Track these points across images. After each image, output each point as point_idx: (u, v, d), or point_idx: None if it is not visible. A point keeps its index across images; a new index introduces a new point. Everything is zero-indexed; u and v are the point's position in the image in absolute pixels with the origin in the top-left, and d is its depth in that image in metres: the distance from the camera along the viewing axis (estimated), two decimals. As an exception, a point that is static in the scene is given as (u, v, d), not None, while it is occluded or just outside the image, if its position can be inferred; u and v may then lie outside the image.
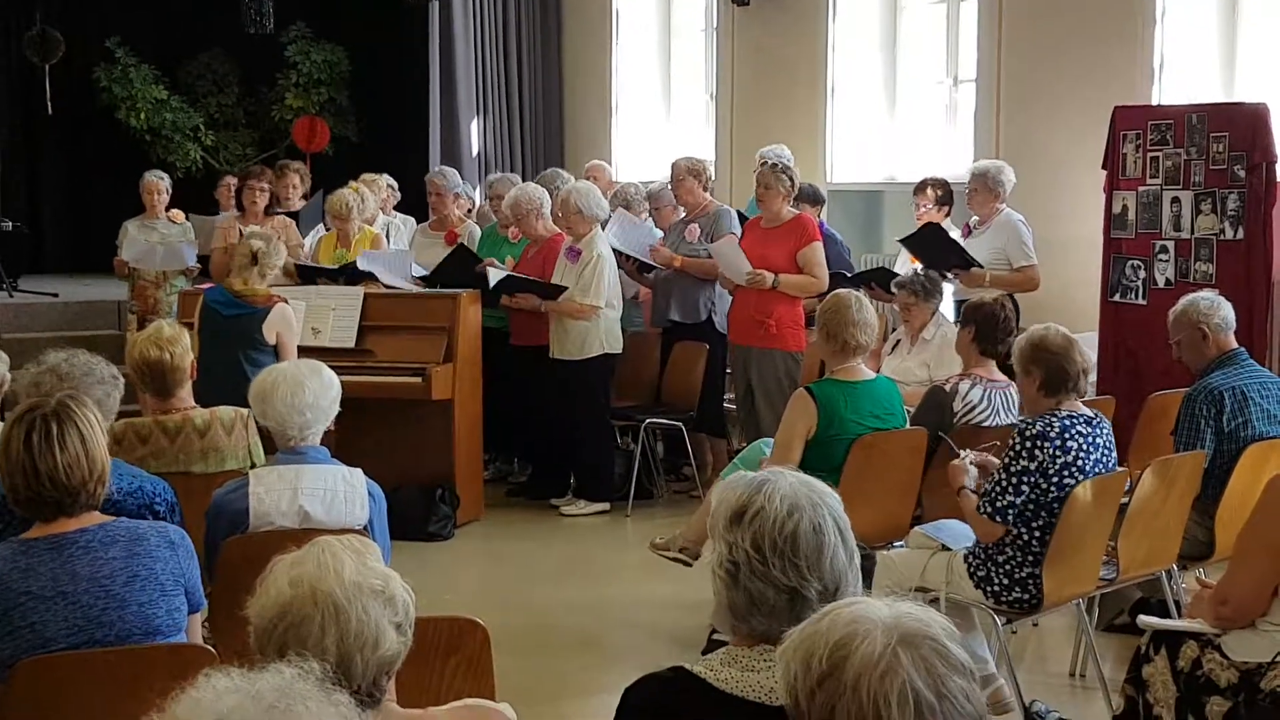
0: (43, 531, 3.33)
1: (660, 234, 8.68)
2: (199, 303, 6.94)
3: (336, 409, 4.41)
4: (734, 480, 2.47)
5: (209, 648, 3.34)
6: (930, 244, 7.64)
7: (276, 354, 6.59)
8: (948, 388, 5.83)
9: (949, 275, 7.59)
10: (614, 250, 8.22)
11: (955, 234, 8.10)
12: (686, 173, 8.33)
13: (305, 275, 8.28)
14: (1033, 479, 4.62)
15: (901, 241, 8.00)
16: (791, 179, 7.66)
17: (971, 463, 4.93)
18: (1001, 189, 7.67)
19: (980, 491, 4.74)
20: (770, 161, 7.92)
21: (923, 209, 8.25)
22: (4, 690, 3.17)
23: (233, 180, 10.22)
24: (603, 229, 8.18)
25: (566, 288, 7.83)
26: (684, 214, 8.53)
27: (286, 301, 6.87)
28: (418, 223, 9.55)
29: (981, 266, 7.44)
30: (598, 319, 7.86)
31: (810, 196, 8.54)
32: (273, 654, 2.27)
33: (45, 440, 3.29)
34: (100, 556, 3.29)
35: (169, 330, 5.01)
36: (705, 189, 8.44)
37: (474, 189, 10.86)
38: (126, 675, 3.06)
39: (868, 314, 5.54)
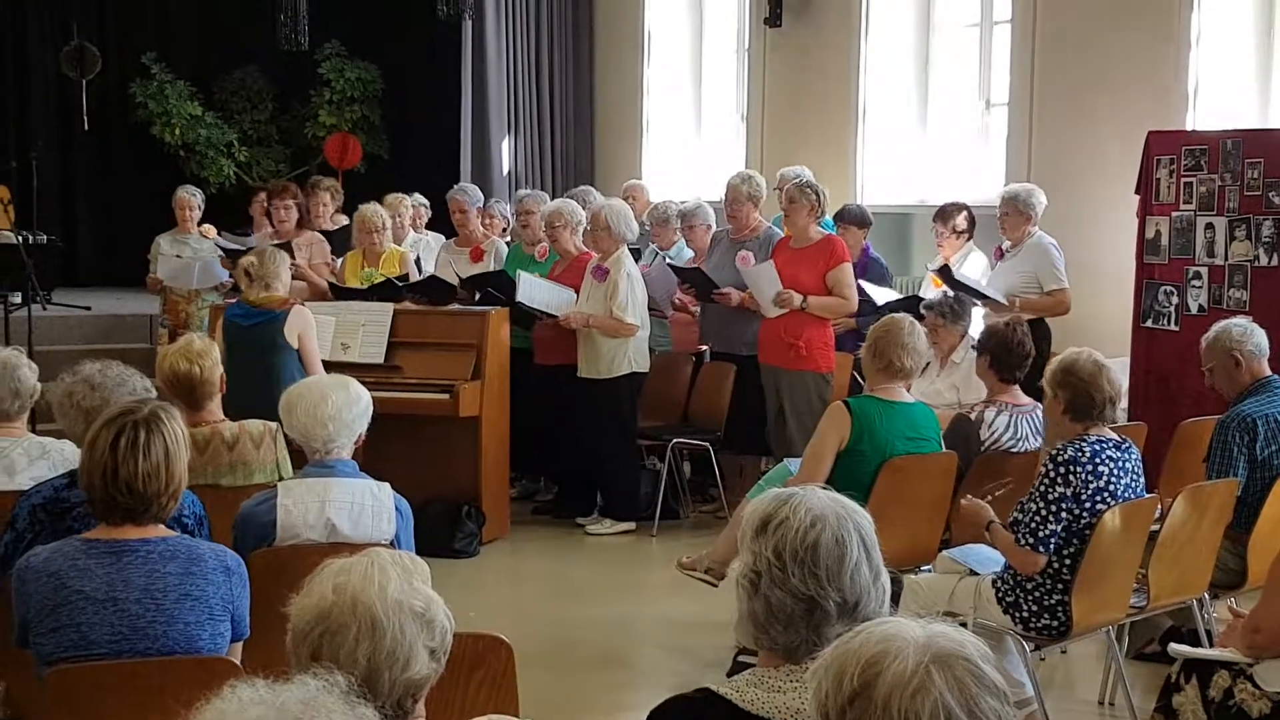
0: (106, 534, 3.36)
1: (691, 254, 8.66)
2: (220, 320, 6.98)
3: (365, 423, 4.41)
4: (765, 494, 2.48)
5: (235, 662, 3.34)
6: (953, 285, 7.60)
7: (300, 357, 6.62)
8: (973, 416, 5.79)
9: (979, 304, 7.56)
10: (691, 274, 8.17)
11: (980, 260, 8.07)
12: (747, 198, 8.21)
13: (339, 295, 8.32)
14: (1069, 505, 4.58)
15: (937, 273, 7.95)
16: (817, 194, 7.64)
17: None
18: (1033, 212, 7.65)
19: (1013, 524, 4.70)
20: (796, 178, 7.91)
21: (942, 235, 8.20)
22: (37, 696, 3.19)
23: (264, 195, 10.26)
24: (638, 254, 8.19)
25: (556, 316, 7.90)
26: (724, 229, 8.48)
27: (304, 303, 6.90)
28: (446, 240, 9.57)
29: (997, 299, 7.43)
30: (629, 338, 7.85)
31: (857, 219, 8.51)
32: (305, 656, 2.29)
33: (131, 446, 3.33)
34: (157, 569, 3.31)
35: (199, 344, 5.03)
36: (759, 211, 8.38)
37: (507, 207, 10.87)
38: (154, 686, 3.07)
39: (919, 340, 5.52)
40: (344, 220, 9.70)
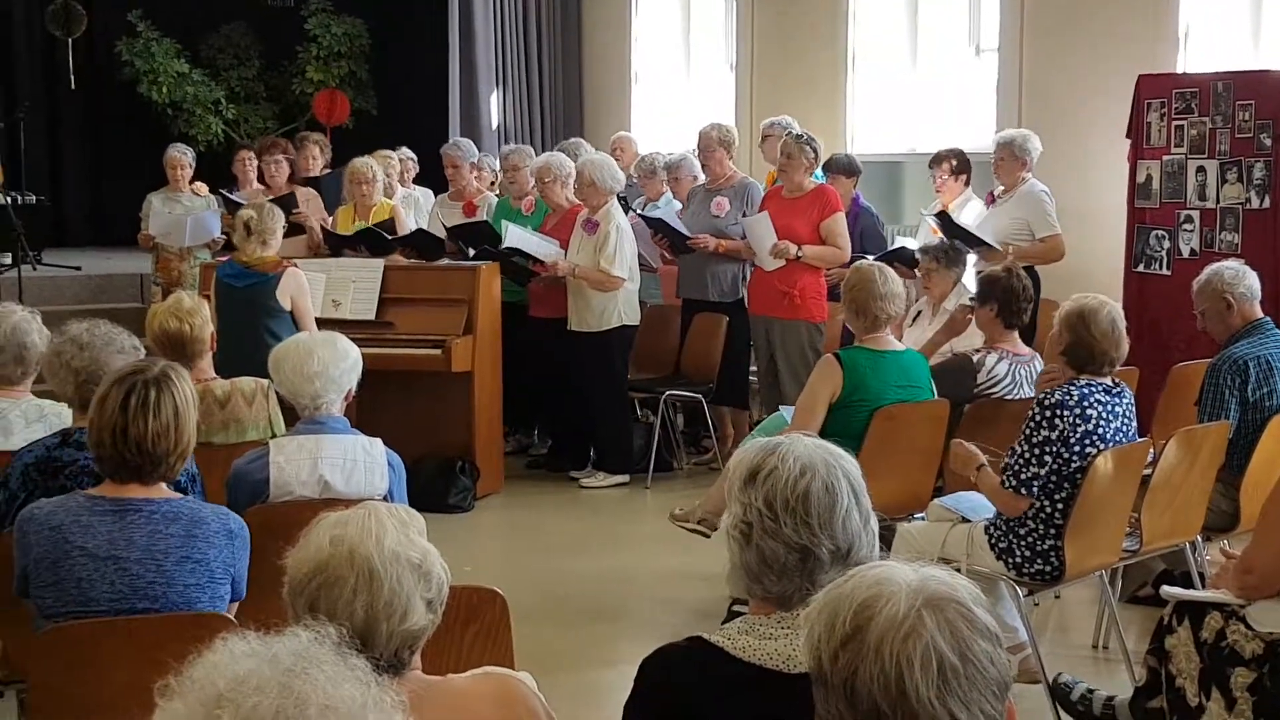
0: (111, 491, 3.35)
1: (679, 205, 8.65)
2: (212, 278, 6.95)
3: (353, 379, 4.40)
4: (750, 445, 2.47)
5: (229, 616, 3.35)
6: (951, 230, 7.58)
7: (293, 319, 6.60)
8: (975, 359, 5.79)
9: (972, 251, 7.54)
10: (659, 225, 8.18)
11: (977, 206, 8.07)
12: (718, 144, 8.28)
13: (332, 244, 8.31)
14: (1054, 449, 4.59)
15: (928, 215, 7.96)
16: (815, 150, 7.64)
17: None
18: (1028, 157, 7.63)
19: (1001, 467, 4.71)
20: (795, 132, 7.90)
21: (940, 180, 8.21)
22: (31, 654, 3.20)
23: (247, 154, 10.21)
24: (628, 206, 8.16)
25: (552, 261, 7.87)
26: (701, 182, 8.51)
27: (296, 265, 6.88)
28: (436, 195, 9.55)
29: (993, 246, 7.41)
30: (617, 290, 7.85)
31: (845, 168, 8.49)
32: (302, 607, 2.30)
33: (142, 405, 3.31)
34: (159, 530, 3.31)
35: (188, 301, 5.01)
36: (732, 159, 8.41)
37: (496, 161, 10.85)
38: (147, 642, 3.07)
39: (893, 285, 5.51)
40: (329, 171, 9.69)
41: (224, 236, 9.36)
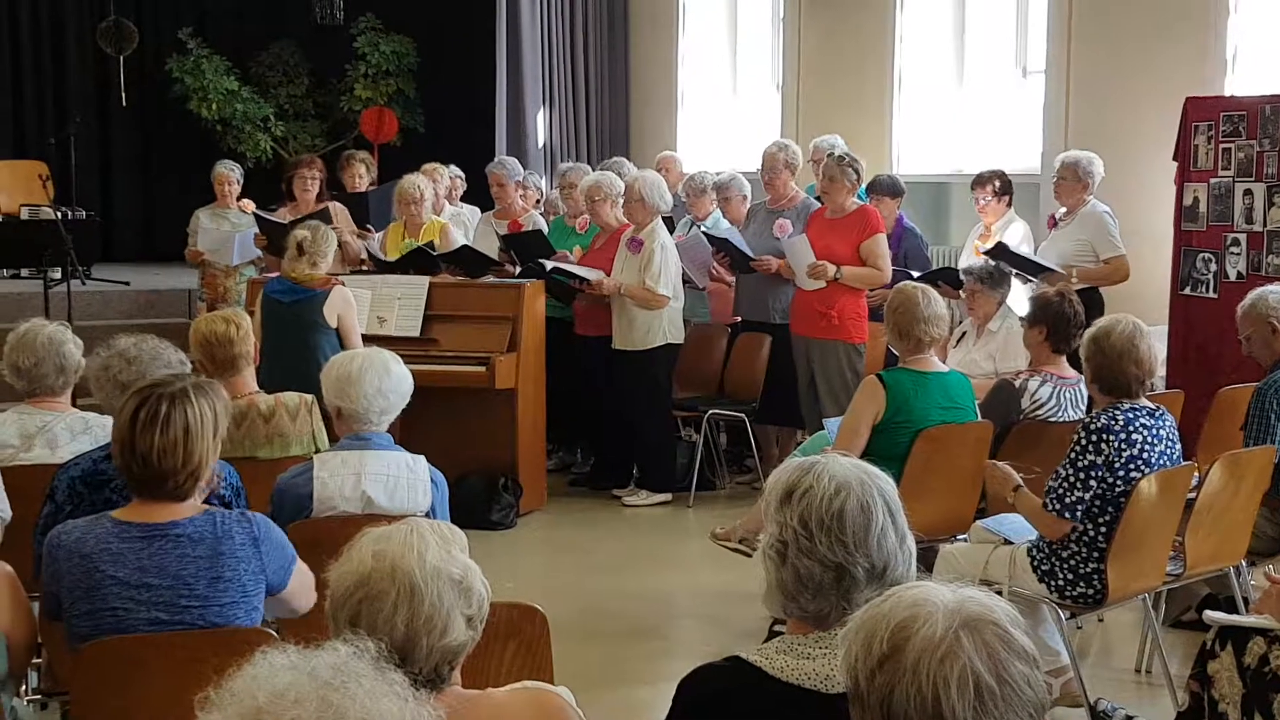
0: (136, 515, 3.33)
1: (727, 224, 8.64)
2: (259, 294, 7.01)
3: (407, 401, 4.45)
4: (786, 464, 2.47)
5: (269, 630, 3.37)
6: (1010, 262, 7.50)
7: (339, 336, 6.64)
8: (1017, 383, 5.76)
9: (1034, 279, 7.47)
10: (723, 244, 8.18)
11: (1020, 228, 8.03)
12: (784, 165, 8.23)
13: (379, 268, 8.35)
14: (1099, 473, 4.57)
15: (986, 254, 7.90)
16: (857, 171, 7.61)
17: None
18: (1091, 180, 7.59)
19: (1045, 489, 4.69)
20: (837, 154, 7.88)
21: (983, 202, 8.17)
22: (73, 668, 3.22)
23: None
24: (673, 225, 8.17)
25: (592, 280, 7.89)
26: (759, 201, 8.49)
27: (344, 283, 6.92)
28: (482, 213, 9.59)
29: (1055, 270, 7.35)
30: (662, 309, 7.85)
31: (889, 189, 8.46)
32: (343, 621, 2.31)
33: (150, 419, 3.29)
34: (187, 554, 3.29)
35: (231, 312, 5.08)
36: (795, 179, 8.39)
37: (541, 179, 10.89)
38: (188, 656, 3.09)
39: (936, 306, 5.49)
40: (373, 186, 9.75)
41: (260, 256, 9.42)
